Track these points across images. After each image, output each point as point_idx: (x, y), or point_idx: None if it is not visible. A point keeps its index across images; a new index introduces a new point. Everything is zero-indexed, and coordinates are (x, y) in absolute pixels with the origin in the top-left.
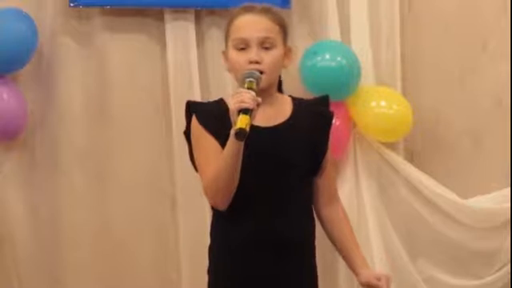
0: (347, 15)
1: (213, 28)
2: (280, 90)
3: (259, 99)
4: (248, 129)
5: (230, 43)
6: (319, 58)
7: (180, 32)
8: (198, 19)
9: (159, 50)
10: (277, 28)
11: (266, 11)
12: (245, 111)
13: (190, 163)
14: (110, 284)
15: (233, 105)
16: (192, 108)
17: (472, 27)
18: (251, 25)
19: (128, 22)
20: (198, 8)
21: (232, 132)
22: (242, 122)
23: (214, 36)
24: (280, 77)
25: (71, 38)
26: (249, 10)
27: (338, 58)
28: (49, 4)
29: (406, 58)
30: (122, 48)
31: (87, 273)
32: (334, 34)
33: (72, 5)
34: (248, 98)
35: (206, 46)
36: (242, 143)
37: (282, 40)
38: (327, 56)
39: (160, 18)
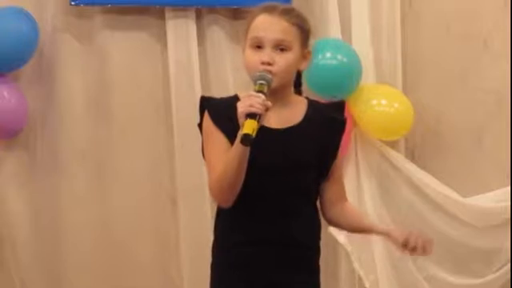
0: (348, 13)
1: (213, 26)
2: (299, 91)
3: (269, 103)
4: (254, 134)
5: (247, 41)
6: (320, 57)
7: (181, 30)
8: (198, 17)
9: (160, 48)
10: (295, 30)
11: (286, 12)
12: (252, 116)
13: (190, 162)
14: (111, 283)
15: (240, 108)
16: (205, 103)
17: (473, 25)
18: (268, 25)
19: (129, 20)
20: (199, 6)
21: (238, 136)
22: (248, 127)
23: (215, 34)
24: (301, 78)
25: (72, 36)
26: (269, 9)
27: (339, 57)
28: (50, 2)
29: (407, 56)
30: (122, 46)
31: (88, 272)
32: (334, 32)
33: (73, 3)
34: (257, 102)
35: (207, 44)
36: (248, 147)
37: (299, 43)
38: (328, 54)
39: (161, 16)
